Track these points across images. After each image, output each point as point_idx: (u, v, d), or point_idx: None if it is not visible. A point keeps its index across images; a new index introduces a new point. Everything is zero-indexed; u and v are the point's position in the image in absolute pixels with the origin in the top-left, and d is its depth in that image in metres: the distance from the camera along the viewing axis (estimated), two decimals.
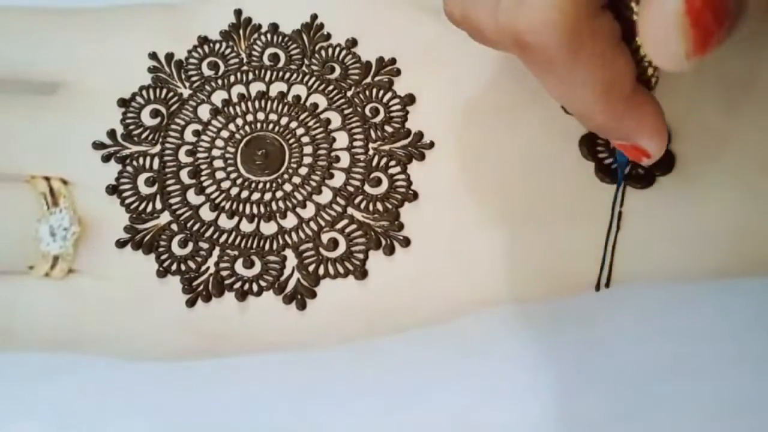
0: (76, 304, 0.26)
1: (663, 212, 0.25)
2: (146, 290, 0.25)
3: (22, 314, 0.26)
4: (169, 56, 0.28)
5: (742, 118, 0.25)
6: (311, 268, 0.25)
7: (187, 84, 0.28)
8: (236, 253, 0.25)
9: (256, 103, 0.28)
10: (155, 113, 0.27)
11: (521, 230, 0.25)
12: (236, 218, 0.26)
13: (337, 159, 0.26)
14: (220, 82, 0.28)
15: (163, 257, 0.25)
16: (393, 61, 0.28)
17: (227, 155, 0.27)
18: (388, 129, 0.27)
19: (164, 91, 0.28)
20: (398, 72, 0.28)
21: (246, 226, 0.26)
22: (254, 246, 0.26)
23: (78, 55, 0.28)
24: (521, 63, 0.19)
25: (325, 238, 0.25)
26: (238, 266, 0.25)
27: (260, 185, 0.26)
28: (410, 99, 0.27)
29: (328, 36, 0.29)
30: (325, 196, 0.26)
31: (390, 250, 0.25)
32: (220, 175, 0.27)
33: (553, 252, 0.25)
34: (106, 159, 0.27)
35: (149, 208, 0.26)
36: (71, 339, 0.26)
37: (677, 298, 0.24)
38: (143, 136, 0.27)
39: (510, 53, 0.19)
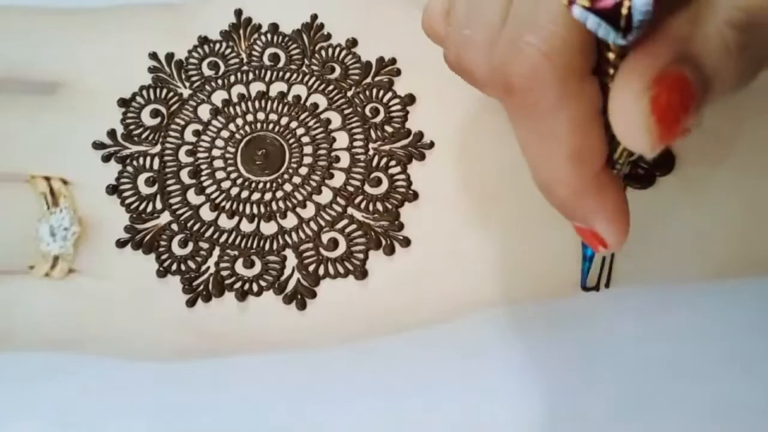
0: (76, 304, 0.26)
1: (663, 212, 0.25)
2: (146, 290, 0.25)
3: (22, 314, 0.26)
4: (170, 56, 0.28)
5: (742, 118, 0.25)
6: (311, 268, 0.25)
7: (187, 84, 0.28)
8: (236, 253, 0.25)
9: (256, 103, 0.28)
10: (155, 113, 0.27)
11: (520, 230, 0.25)
12: (236, 218, 0.26)
13: (337, 159, 0.26)
14: (220, 82, 0.28)
15: (163, 257, 0.25)
16: (393, 61, 0.28)
17: (227, 155, 0.27)
18: (388, 129, 0.27)
19: (164, 91, 0.28)
20: (398, 72, 0.28)
21: (246, 226, 0.26)
22: (254, 246, 0.26)
23: (78, 55, 0.28)
24: None
25: (325, 238, 0.25)
26: (238, 266, 0.25)
27: (260, 185, 0.26)
28: (410, 99, 0.27)
29: (328, 36, 0.29)
30: (325, 196, 0.26)
31: (390, 250, 0.25)
32: (220, 175, 0.27)
33: (553, 252, 0.25)
34: (106, 159, 0.27)
35: (149, 208, 0.26)
36: (71, 339, 0.26)
37: (677, 299, 0.25)
38: (143, 136, 0.27)
39: (496, 97, 0.19)
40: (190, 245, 0.26)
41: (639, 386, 0.23)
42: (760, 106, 0.25)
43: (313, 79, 0.28)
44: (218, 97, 0.28)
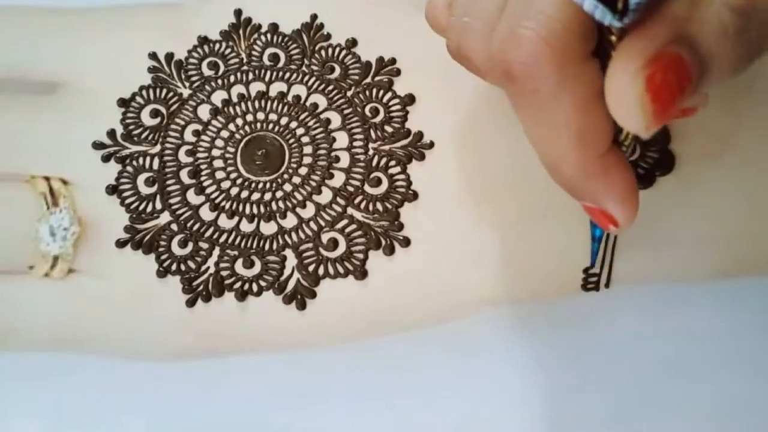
0: (76, 304, 0.26)
1: (662, 212, 0.25)
2: (146, 290, 0.25)
3: (22, 314, 0.26)
4: (169, 56, 0.28)
5: (742, 118, 0.25)
6: (311, 268, 0.25)
7: (187, 84, 0.28)
8: (236, 253, 0.25)
9: (256, 103, 0.28)
10: (155, 113, 0.27)
11: (521, 230, 0.25)
12: (236, 218, 0.26)
13: (337, 159, 0.26)
14: (220, 82, 0.28)
15: (163, 257, 0.25)
16: (393, 61, 0.28)
17: (227, 155, 0.27)
18: (388, 129, 0.27)
19: (164, 91, 0.28)
20: (398, 72, 0.28)
21: (246, 226, 0.26)
22: (254, 246, 0.26)
23: (78, 55, 0.28)
24: None
25: (325, 238, 0.25)
26: (238, 266, 0.25)
27: (260, 185, 0.26)
28: (410, 99, 0.27)
29: (328, 36, 0.29)
30: (325, 196, 0.26)
31: (390, 250, 0.25)
32: (220, 175, 0.27)
33: (553, 252, 0.25)
34: (106, 159, 0.27)
35: (149, 208, 0.26)
36: (71, 339, 0.26)
37: (676, 299, 0.25)
38: (143, 136, 0.27)
39: (497, 84, 0.19)
40: (190, 245, 0.26)
41: (640, 386, 0.23)
42: (760, 107, 0.25)
43: (313, 79, 0.28)
44: (218, 97, 0.28)
